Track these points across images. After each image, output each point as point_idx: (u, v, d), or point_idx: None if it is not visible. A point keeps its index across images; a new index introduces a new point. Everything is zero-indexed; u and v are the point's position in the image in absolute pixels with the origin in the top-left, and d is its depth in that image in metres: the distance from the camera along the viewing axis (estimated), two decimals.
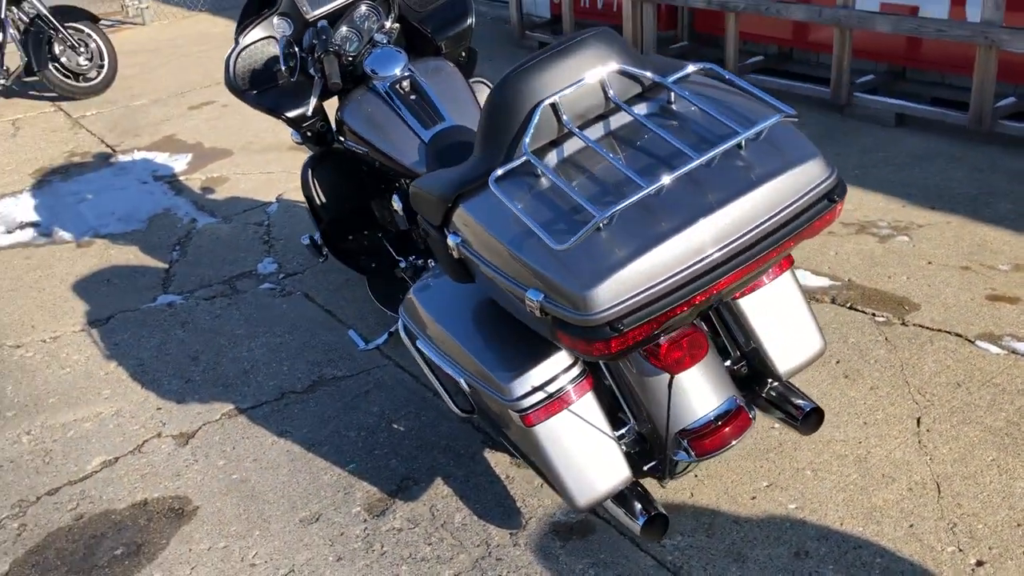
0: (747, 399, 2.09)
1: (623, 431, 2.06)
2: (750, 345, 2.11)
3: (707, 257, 1.60)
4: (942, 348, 2.84)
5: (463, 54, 3.06)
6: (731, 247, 1.62)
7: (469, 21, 3.03)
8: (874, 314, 3.05)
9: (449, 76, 2.84)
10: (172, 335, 3.34)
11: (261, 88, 2.89)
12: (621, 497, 2.00)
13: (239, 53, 2.86)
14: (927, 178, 4.00)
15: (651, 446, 2.06)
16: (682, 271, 1.59)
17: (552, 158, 1.78)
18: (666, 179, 1.59)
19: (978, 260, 3.30)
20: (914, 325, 2.97)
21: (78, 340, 3.37)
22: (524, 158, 1.71)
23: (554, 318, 1.62)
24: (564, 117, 1.76)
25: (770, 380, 2.16)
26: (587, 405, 1.93)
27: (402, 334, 2.25)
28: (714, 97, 1.79)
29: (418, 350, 2.19)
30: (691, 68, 1.84)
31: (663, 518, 1.95)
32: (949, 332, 2.91)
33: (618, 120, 1.81)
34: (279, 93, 2.88)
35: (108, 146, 5.45)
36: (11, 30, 6.22)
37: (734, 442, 1.98)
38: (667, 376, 1.92)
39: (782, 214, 1.65)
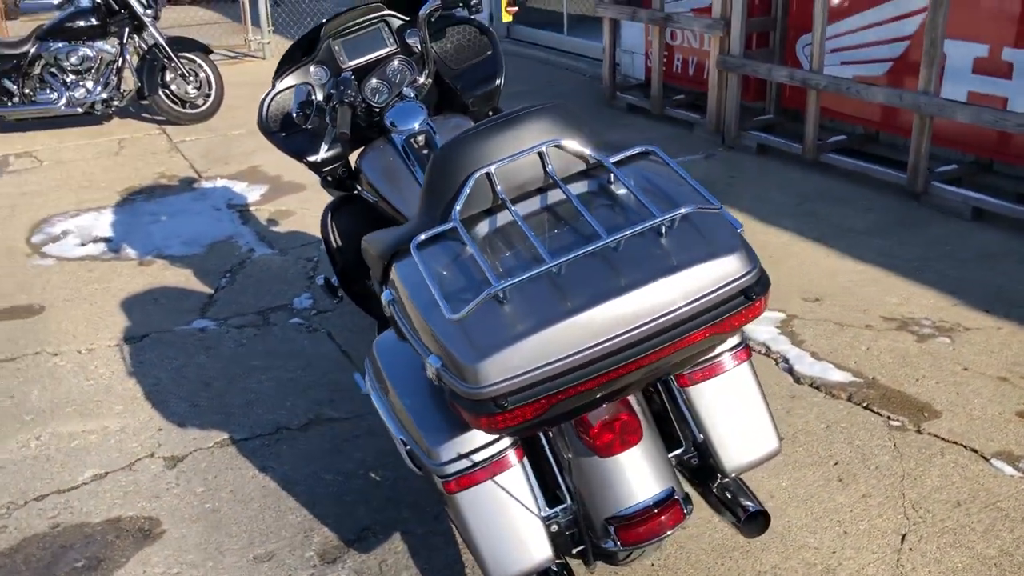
0: (685, 493, 2.00)
1: (557, 509, 2.00)
2: (699, 436, 2.03)
3: (606, 342, 1.56)
4: (952, 462, 2.66)
5: (490, 113, 3.10)
6: (633, 334, 1.57)
7: (498, 82, 3.07)
8: (889, 417, 2.88)
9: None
10: (194, 359, 3.47)
11: (290, 132, 3.00)
12: None
13: (273, 96, 2.98)
14: (990, 278, 3.78)
15: (582, 528, 2.00)
16: (577, 353, 1.55)
17: (483, 227, 1.77)
18: (566, 258, 1.56)
19: (1019, 372, 3.08)
20: (929, 434, 2.79)
21: (109, 354, 3.53)
22: (451, 224, 1.71)
23: (448, 387, 1.61)
24: (499, 188, 1.76)
25: (719, 475, 2.07)
26: (513, 478, 1.89)
27: (368, 385, 2.27)
28: (652, 181, 1.76)
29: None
30: (633, 150, 1.81)
31: None
32: (964, 446, 2.73)
33: (556, 195, 1.80)
34: (305, 138, 2.97)
35: (196, 171, 5.74)
36: (129, 56, 6.66)
37: (668, 533, 1.90)
38: (598, 458, 1.87)
39: (691, 306, 1.59)
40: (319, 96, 2.88)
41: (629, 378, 1.63)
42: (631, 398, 1.92)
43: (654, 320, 1.57)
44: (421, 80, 2.98)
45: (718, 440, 2.01)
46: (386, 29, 3.06)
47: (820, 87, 4.95)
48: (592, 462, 1.90)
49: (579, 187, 1.79)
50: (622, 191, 1.77)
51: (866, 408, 2.94)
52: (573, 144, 1.79)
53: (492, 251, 1.71)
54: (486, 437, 1.87)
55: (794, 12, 5.46)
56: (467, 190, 1.74)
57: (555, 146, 1.79)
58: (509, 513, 1.88)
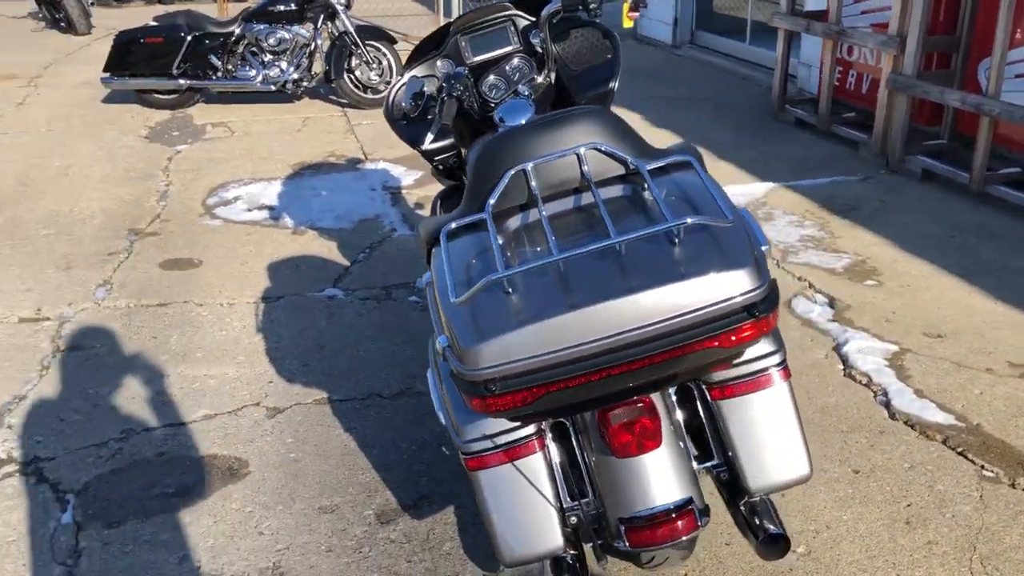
0: (705, 505, 2.00)
1: (579, 503, 2.06)
2: (728, 450, 2.03)
3: (599, 341, 1.60)
4: None
5: None
6: (626, 337, 1.60)
7: (611, 85, 3.12)
8: (983, 467, 2.71)
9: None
10: (315, 323, 3.74)
11: (411, 120, 3.18)
12: (558, 564, 2.01)
13: (399, 87, 3.16)
14: None
15: (592, 525, 2.04)
16: (568, 348, 1.60)
17: (515, 221, 1.85)
18: (569, 253, 1.61)
19: None
20: (1023, 490, 2.61)
21: (246, 310, 3.86)
22: (482, 215, 1.81)
23: (450, 367, 1.70)
24: (533, 184, 1.83)
25: (747, 493, 2.05)
26: (534, 465, 1.96)
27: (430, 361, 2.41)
28: (686, 191, 1.78)
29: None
30: (670, 159, 1.83)
31: None
32: None
33: (589, 197, 1.85)
34: (424, 127, 3.15)
35: (364, 153, 6.10)
36: (321, 41, 7.15)
37: (678, 540, 1.91)
38: (617, 458, 1.91)
39: (689, 316, 1.60)
40: (432, 89, 3.03)
41: (625, 380, 1.66)
42: (659, 403, 1.95)
43: (649, 325, 1.60)
44: (539, 79, 3.08)
45: (745, 456, 1.99)
46: (512, 28, 3.17)
47: (993, 113, 4.64)
48: (611, 461, 1.94)
49: (613, 191, 1.84)
50: (651, 197, 1.80)
51: (960, 454, 2.78)
52: (612, 148, 1.84)
53: (516, 244, 1.79)
54: (511, 423, 1.95)
55: (978, 33, 5.13)
56: (502, 185, 1.82)
57: (594, 149, 1.84)
58: (524, 498, 1.96)
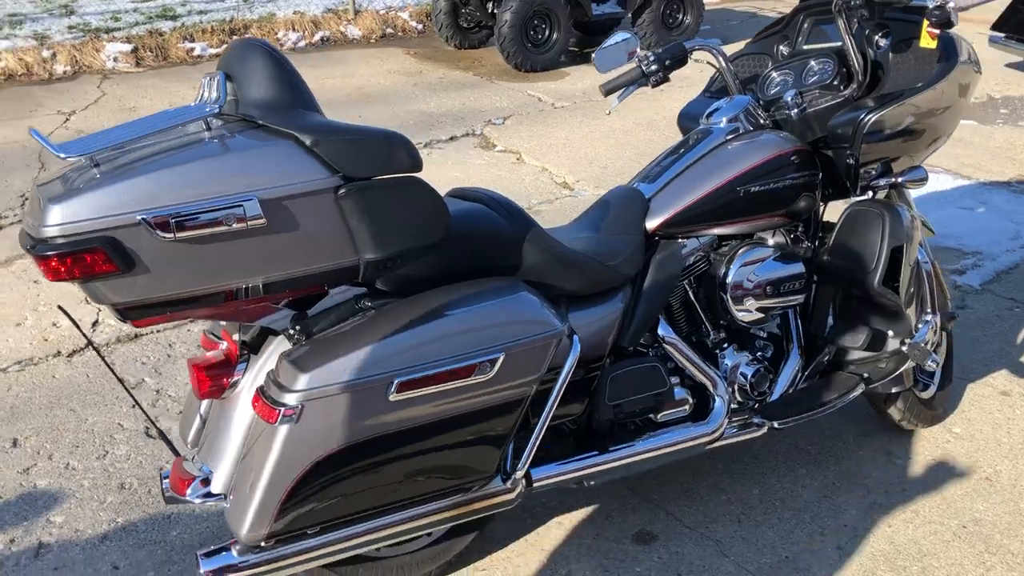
0: (222, 493, 1.90)
1: None
2: None
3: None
4: None
5: (849, 162, 2.43)
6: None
7: (863, 118, 2.36)
8: None
9: (741, 155, 2.36)
10: None
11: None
12: None
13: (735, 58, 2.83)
14: None
15: None
16: None
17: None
18: (97, 148, 1.61)
19: None
20: None
21: None
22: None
23: None
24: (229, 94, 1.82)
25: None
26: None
27: None
28: (227, 143, 1.66)
29: None
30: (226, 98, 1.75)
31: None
32: None
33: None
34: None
35: None
36: None
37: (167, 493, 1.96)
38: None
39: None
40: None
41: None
42: (259, 367, 1.93)
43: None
44: (845, 91, 2.49)
45: (220, 463, 1.90)
46: (850, 20, 2.50)
47: None
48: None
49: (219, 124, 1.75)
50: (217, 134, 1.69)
51: None
52: (226, 85, 1.76)
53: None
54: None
55: None
56: (202, 86, 1.83)
57: (221, 76, 1.77)
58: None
